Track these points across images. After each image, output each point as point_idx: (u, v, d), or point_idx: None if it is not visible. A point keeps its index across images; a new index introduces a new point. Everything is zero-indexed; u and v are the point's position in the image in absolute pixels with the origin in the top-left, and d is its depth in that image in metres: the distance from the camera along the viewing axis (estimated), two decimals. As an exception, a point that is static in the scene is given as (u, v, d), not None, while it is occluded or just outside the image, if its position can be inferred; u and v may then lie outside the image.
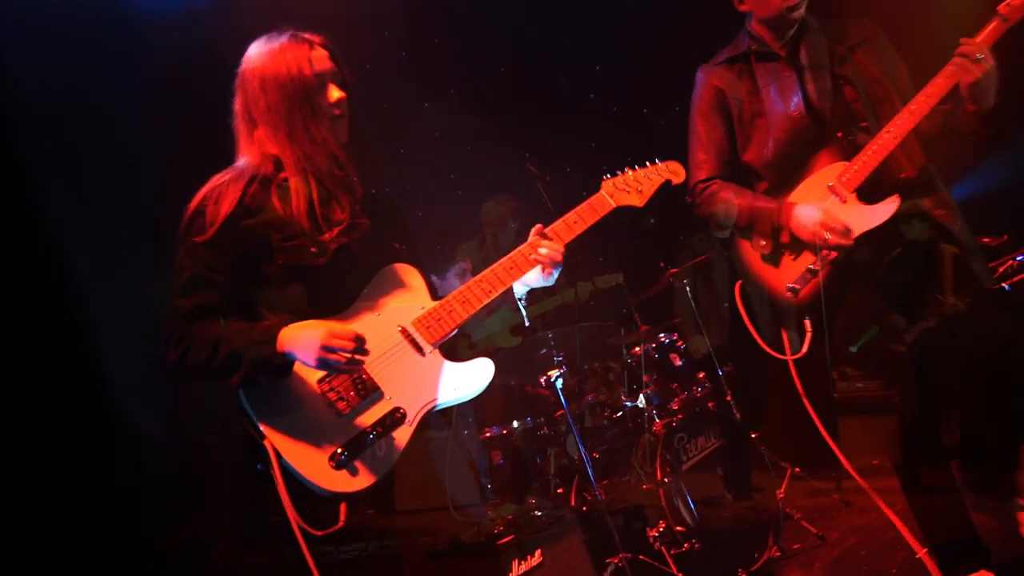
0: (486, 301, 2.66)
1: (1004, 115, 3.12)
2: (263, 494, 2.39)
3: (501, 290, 2.69)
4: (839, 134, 3.23)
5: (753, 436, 3.89)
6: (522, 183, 4.99)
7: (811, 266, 3.21)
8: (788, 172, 3.35)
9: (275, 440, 2.36)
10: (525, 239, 2.76)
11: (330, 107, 2.61)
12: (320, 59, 2.62)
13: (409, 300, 2.63)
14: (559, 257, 2.72)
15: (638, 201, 2.91)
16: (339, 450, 2.39)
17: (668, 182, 2.98)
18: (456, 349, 2.71)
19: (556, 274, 2.75)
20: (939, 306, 3.22)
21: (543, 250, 2.70)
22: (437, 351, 2.60)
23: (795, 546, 3.82)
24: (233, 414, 2.48)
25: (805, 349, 3.25)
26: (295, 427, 2.39)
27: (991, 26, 3.06)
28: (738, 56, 3.46)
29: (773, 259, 3.35)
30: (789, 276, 3.27)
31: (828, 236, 3.14)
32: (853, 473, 3.27)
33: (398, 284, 2.66)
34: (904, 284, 3.32)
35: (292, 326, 2.43)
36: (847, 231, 3.12)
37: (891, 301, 3.37)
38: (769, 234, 3.32)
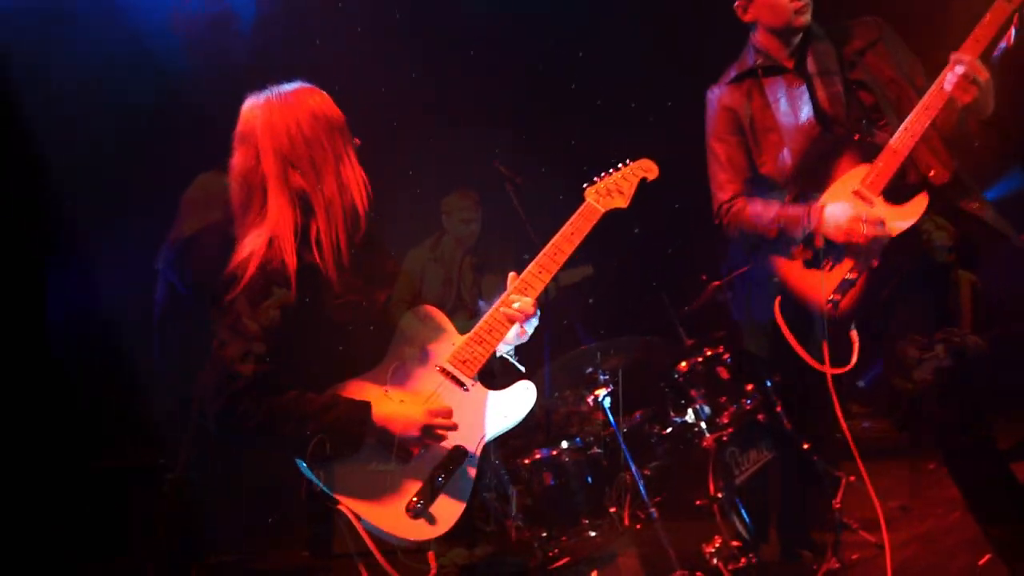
0: (511, 327, 2.69)
1: (1007, 122, 3.10)
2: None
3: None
4: (856, 136, 3.20)
5: (806, 447, 3.83)
6: (490, 185, 4.56)
7: (847, 276, 3.16)
8: (810, 182, 3.31)
9: (349, 503, 2.38)
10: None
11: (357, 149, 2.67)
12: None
13: (439, 338, 2.69)
14: (531, 310, 2.69)
15: (623, 203, 2.92)
16: (414, 499, 2.43)
17: (644, 180, 2.98)
18: (493, 376, 2.75)
19: (531, 331, 2.74)
20: (953, 341, 3.05)
21: (516, 305, 2.69)
22: (478, 383, 2.65)
23: (854, 556, 3.76)
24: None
25: (855, 360, 3.15)
26: (365, 485, 2.42)
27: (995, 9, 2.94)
28: (745, 73, 3.46)
29: (812, 267, 3.26)
30: (827, 287, 3.18)
31: (864, 229, 3.06)
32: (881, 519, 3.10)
33: (424, 325, 2.72)
34: (916, 306, 3.19)
35: (387, 406, 2.48)
36: (882, 223, 3.06)
37: (898, 325, 3.20)
38: (802, 241, 3.26)
